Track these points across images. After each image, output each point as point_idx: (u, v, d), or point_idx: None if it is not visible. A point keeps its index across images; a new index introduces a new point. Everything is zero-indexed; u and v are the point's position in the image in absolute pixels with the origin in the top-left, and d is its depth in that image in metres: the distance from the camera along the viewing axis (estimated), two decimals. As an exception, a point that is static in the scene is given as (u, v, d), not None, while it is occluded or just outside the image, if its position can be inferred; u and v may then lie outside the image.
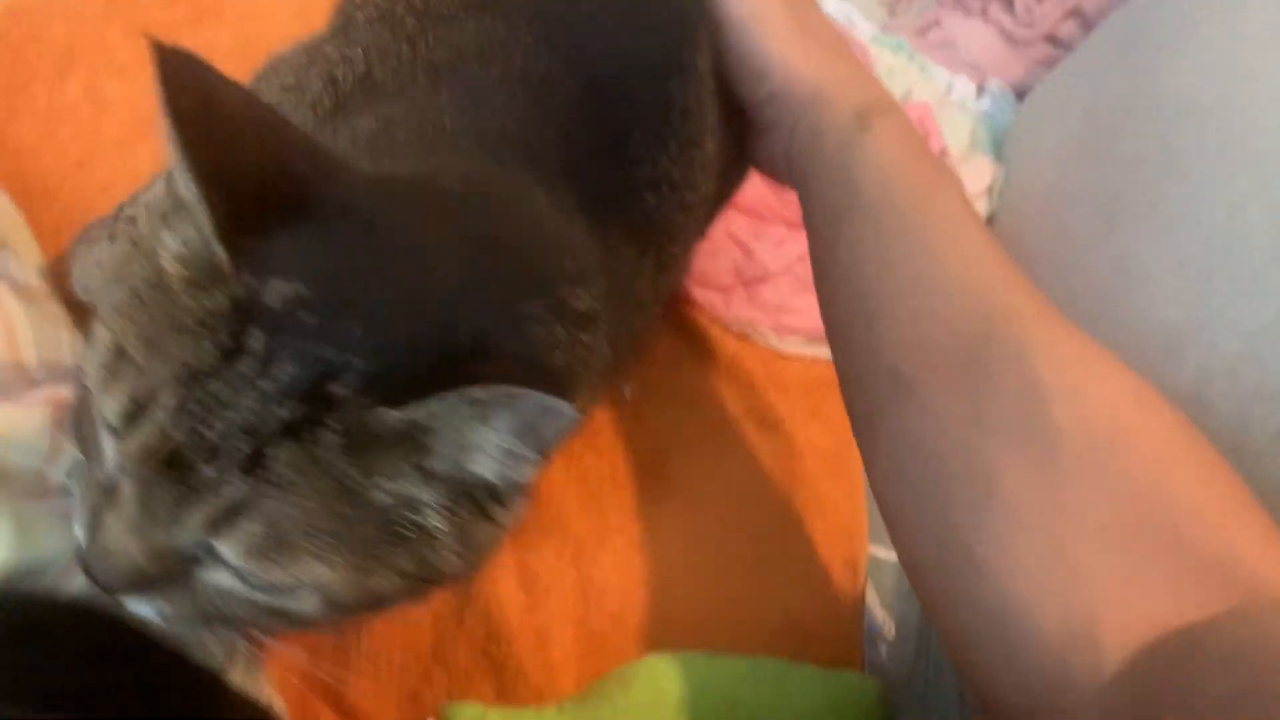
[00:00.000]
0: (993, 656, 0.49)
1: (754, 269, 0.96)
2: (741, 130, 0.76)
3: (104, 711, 0.47)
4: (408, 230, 0.47)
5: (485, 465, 0.45)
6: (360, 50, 0.68)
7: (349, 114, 0.65)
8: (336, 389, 0.41)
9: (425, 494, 0.44)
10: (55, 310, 0.69)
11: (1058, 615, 0.46)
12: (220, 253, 0.42)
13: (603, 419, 0.86)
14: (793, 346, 0.94)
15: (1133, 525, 0.46)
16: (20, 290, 0.64)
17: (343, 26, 0.73)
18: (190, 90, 0.40)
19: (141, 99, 0.85)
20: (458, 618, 0.75)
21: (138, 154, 0.83)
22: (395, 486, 0.43)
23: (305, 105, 0.67)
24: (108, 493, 0.44)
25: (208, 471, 0.41)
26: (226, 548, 0.42)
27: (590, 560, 0.80)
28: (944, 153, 1.12)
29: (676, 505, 0.84)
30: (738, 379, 0.90)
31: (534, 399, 0.42)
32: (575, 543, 0.81)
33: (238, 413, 0.41)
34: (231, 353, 0.41)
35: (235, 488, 0.41)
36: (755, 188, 1.00)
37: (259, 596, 0.44)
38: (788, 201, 0.99)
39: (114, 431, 0.43)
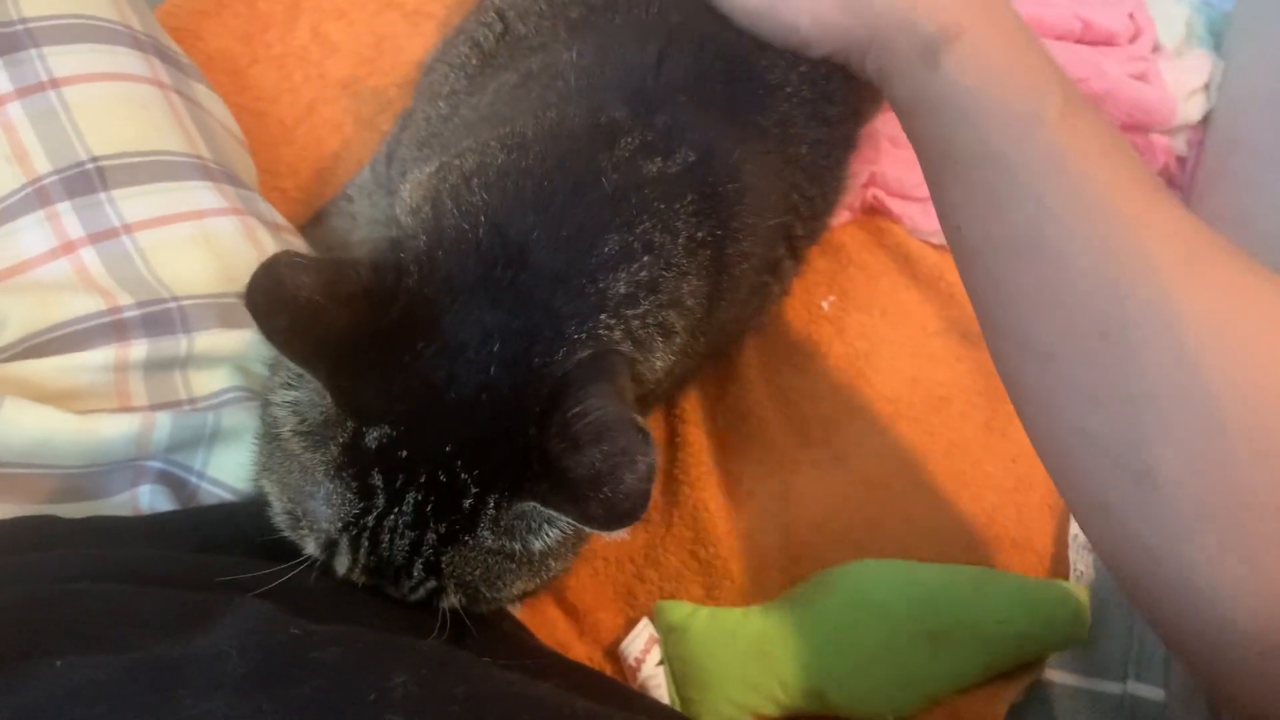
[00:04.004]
0: (1184, 634, 0.48)
1: (953, 179, 0.94)
2: None
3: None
4: (461, 307, 0.52)
5: None
6: (494, 13, 0.75)
7: (496, 69, 0.71)
8: (466, 502, 0.50)
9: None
10: (302, 246, 0.76)
11: (1251, 604, 0.43)
12: (330, 404, 0.49)
13: (801, 333, 0.88)
14: (994, 257, 0.93)
15: None
16: (272, 227, 0.71)
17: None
18: (276, 307, 0.47)
19: (360, 39, 0.91)
20: (666, 521, 0.79)
21: (360, 94, 0.89)
22: (546, 534, 0.52)
23: (456, 69, 0.75)
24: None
25: (404, 580, 0.52)
26: (449, 607, 0.53)
27: (792, 470, 0.82)
28: (1157, 48, 1.05)
29: (877, 417, 0.85)
30: (939, 291, 0.89)
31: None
32: (777, 453, 0.83)
33: (402, 538, 0.50)
34: (367, 495, 0.50)
35: (429, 584, 0.52)
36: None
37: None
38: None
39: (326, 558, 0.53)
